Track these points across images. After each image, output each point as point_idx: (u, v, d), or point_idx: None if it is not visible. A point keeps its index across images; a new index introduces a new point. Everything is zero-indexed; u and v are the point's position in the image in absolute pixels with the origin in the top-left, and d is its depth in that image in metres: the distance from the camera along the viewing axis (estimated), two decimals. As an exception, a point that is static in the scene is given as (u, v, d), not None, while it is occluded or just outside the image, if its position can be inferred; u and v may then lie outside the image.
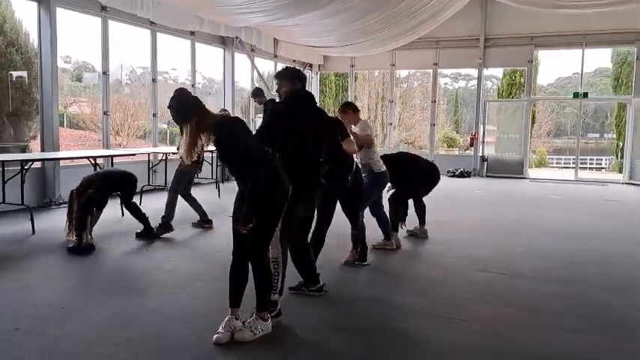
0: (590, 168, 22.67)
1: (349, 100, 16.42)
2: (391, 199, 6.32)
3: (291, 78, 3.97)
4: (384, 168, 5.51)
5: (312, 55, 16.15)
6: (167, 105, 3.46)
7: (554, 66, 37.01)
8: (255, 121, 13.08)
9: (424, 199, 6.62)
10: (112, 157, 8.44)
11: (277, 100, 4.41)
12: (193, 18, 10.98)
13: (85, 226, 5.56)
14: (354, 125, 5.39)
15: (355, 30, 13.18)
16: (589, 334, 3.70)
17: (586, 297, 4.51)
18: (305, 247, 4.20)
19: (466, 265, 5.51)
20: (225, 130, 3.38)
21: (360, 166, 5.24)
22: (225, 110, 7.92)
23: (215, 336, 3.39)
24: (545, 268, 5.43)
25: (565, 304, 4.33)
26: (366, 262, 5.34)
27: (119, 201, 6.52)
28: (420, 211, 6.59)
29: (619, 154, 18.05)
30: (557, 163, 25.43)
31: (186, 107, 3.39)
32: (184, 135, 3.34)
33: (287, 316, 3.76)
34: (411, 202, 6.54)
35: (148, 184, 9.38)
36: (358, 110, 5.53)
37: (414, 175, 6.36)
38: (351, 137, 4.61)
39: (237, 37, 12.74)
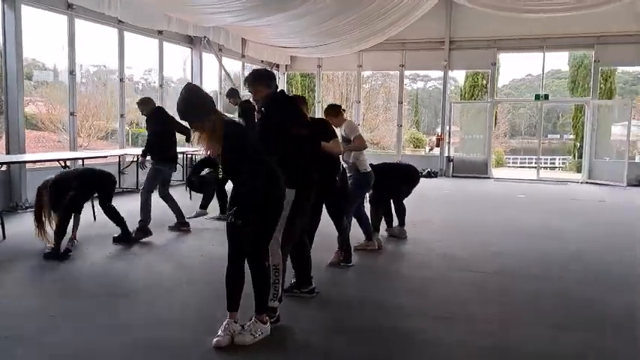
0: (544, 167, 23.47)
1: (318, 100, 16.55)
2: (371, 201, 6.38)
3: (268, 81, 3.87)
4: (369, 168, 5.57)
5: (280, 55, 16.12)
6: (178, 102, 3.33)
7: (509, 68, 38.13)
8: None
9: (405, 201, 6.72)
10: (82, 159, 8.19)
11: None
12: (162, 17, 10.80)
13: (65, 231, 5.38)
14: (339, 127, 5.41)
15: (326, 31, 13.24)
16: (578, 330, 3.83)
17: (567, 294, 4.66)
18: (304, 242, 4.21)
19: (448, 264, 5.62)
20: (233, 129, 3.36)
21: (345, 167, 5.29)
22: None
23: (215, 339, 3.35)
24: (523, 266, 5.60)
25: (550, 301, 4.47)
26: (351, 264, 5.39)
27: (91, 203, 6.32)
28: (401, 212, 6.68)
29: (576, 154, 18.76)
30: (513, 162, 26.23)
31: (204, 105, 3.31)
32: (202, 134, 3.29)
33: (283, 318, 3.75)
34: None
35: (118, 187, 9.14)
36: (340, 113, 5.53)
37: (395, 177, 6.46)
38: (339, 138, 4.65)
39: (205, 37, 12.60)
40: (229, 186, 3.63)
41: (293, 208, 3.74)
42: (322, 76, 17.72)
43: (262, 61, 15.55)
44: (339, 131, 5.32)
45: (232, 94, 9.27)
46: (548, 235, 7.28)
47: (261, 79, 3.88)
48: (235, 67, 15.39)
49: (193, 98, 3.33)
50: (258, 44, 14.66)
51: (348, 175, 5.39)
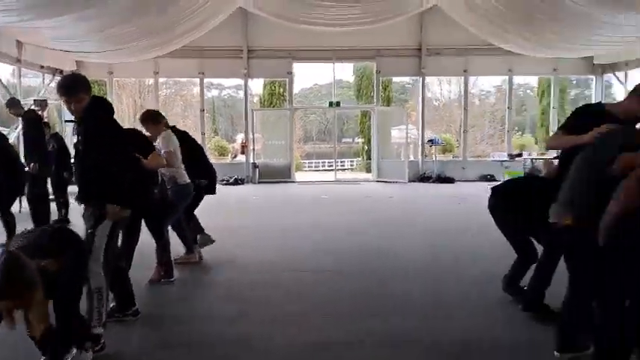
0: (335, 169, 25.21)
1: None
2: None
3: (89, 87, 3.56)
4: (188, 179, 5.35)
5: (64, 60, 14.57)
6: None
7: (298, 78, 40.34)
8: None
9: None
10: None
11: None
12: None
13: None
14: (156, 137, 5.12)
15: (117, 35, 12.42)
16: (392, 319, 4.24)
17: (375, 287, 5.05)
18: (123, 267, 3.90)
19: (268, 267, 5.77)
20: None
21: (164, 179, 5.03)
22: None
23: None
24: (337, 263, 5.98)
25: (363, 295, 4.79)
26: (173, 278, 5.15)
27: None
28: (194, 223, 6.26)
29: (364, 156, 20.72)
30: (309, 166, 27.86)
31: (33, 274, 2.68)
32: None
33: (109, 344, 3.45)
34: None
35: None
36: (160, 122, 5.24)
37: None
38: (155, 150, 4.40)
39: (-30, 38, 10.81)
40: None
41: (114, 224, 3.45)
42: (114, 83, 16.58)
43: (42, 67, 13.92)
44: (156, 143, 5.03)
45: (13, 104, 8.16)
46: (353, 231, 7.89)
47: (83, 84, 3.48)
48: (8, 73, 13.52)
49: (19, 272, 2.64)
50: (37, 47, 13.06)
51: (167, 187, 5.14)
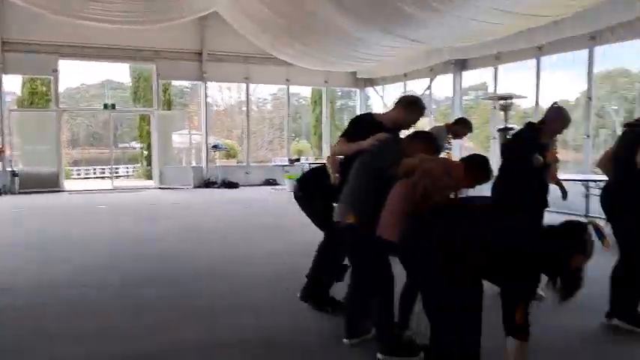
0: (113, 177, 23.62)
1: None
2: None
3: None
4: None
5: None
6: None
7: (62, 76, 36.53)
8: None
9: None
10: None
11: None
12: None
13: None
14: None
15: None
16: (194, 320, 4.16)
17: (175, 290, 4.96)
18: None
19: (56, 281, 5.24)
20: None
21: None
22: None
23: None
24: (129, 273, 5.64)
25: (159, 302, 4.65)
26: None
27: None
28: None
29: (144, 162, 19.73)
30: (77, 174, 25.49)
31: None
32: None
33: None
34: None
35: None
36: None
37: None
38: None
39: None
40: None
41: None
42: None
43: None
44: None
45: None
46: (139, 239, 7.50)
47: None
48: None
49: None
50: None
51: None
